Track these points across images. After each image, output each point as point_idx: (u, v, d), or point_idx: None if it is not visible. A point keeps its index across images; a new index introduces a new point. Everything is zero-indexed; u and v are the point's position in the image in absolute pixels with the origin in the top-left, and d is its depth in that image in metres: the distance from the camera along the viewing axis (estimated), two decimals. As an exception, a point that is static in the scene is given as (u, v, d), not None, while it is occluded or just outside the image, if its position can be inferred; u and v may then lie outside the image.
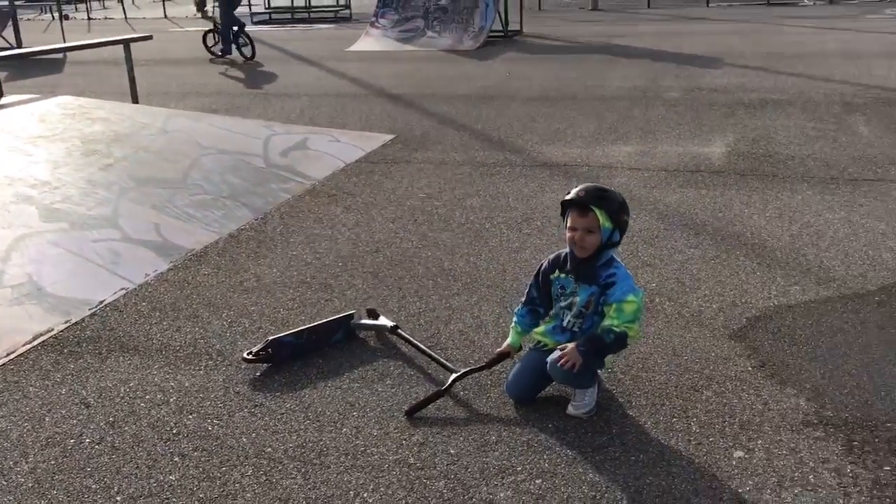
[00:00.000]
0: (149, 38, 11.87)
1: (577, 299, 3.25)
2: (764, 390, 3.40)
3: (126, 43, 10.50)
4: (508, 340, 3.51)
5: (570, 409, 3.27)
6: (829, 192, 6.05)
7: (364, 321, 4.14)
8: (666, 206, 5.92)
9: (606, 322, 3.16)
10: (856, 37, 15.43)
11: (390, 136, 8.48)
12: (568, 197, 3.20)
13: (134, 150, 6.99)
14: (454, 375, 3.47)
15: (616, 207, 3.17)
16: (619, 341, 3.15)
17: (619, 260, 3.27)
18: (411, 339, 3.86)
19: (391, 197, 6.42)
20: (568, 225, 3.21)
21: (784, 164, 6.85)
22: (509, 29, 17.55)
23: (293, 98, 11.05)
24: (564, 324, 3.32)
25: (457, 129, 8.79)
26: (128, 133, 7.40)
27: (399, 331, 3.95)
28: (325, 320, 4.04)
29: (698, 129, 8.28)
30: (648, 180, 6.57)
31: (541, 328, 3.44)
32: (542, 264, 3.43)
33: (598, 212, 3.12)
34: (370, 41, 16.62)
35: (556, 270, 3.34)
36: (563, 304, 3.32)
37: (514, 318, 3.51)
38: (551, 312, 3.41)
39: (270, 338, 3.79)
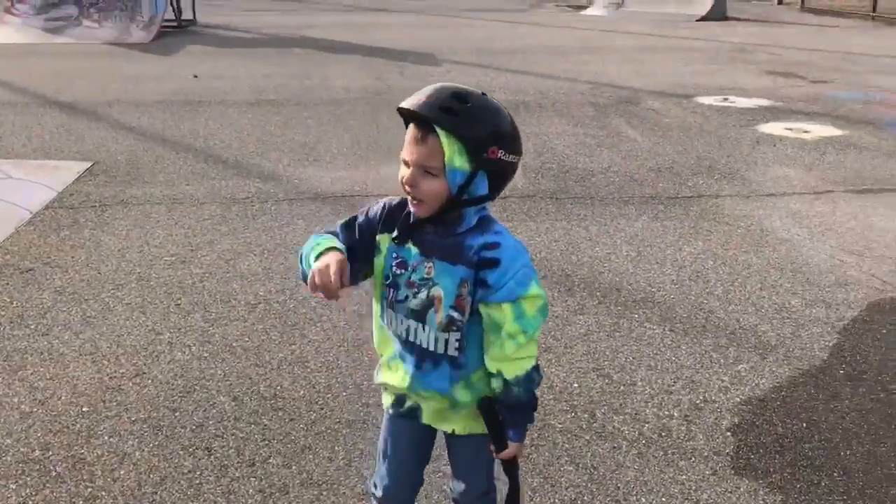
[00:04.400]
0: None
1: (440, 292, 1.85)
2: None
3: None
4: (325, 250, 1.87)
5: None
6: (664, 216, 5.27)
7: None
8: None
9: (500, 349, 1.87)
10: (548, 32, 15.61)
11: (86, 165, 6.24)
12: (402, 104, 1.81)
13: None
14: None
15: (483, 130, 1.78)
16: (530, 383, 1.92)
17: (498, 222, 1.93)
18: None
19: (122, 266, 4.44)
20: (401, 159, 1.85)
21: (589, 181, 5.99)
22: (183, 18, 15.25)
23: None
24: (425, 343, 1.90)
25: (175, 150, 6.79)
26: None
27: None
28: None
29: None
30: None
31: (384, 368, 2.01)
32: (366, 207, 1.97)
33: (443, 135, 1.75)
34: (8, 31, 13.30)
35: (385, 230, 1.92)
36: (407, 300, 1.89)
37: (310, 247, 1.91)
38: (380, 316, 1.97)
39: None
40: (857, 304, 4.04)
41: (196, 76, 10.15)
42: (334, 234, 1.92)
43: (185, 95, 8.96)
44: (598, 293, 4.14)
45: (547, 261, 4.53)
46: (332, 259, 1.78)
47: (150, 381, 3.31)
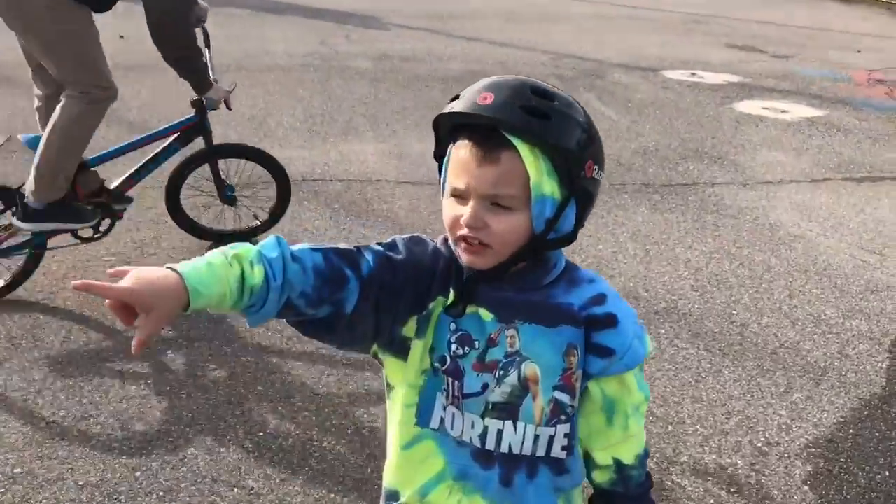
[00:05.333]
0: None
1: (535, 369, 1.27)
2: None
3: None
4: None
5: None
6: (663, 207, 4.81)
7: None
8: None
9: (622, 431, 1.35)
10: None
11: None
12: (453, 107, 1.25)
13: None
14: None
15: (578, 138, 1.23)
16: (646, 479, 1.42)
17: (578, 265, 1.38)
18: None
19: (52, 269, 3.72)
20: (448, 190, 1.26)
21: (573, 164, 5.49)
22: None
23: None
24: (517, 448, 1.29)
25: (105, 123, 5.94)
26: None
27: None
28: None
29: (432, 114, 6.59)
30: (433, 202, 4.72)
31: (430, 473, 1.33)
32: (405, 241, 1.32)
33: (526, 149, 1.20)
34: None
35: (440, 292, 1.28)
36: (486, 391, 1.28)
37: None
38: (419, 421, 1.31)
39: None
40: (895, 315, 3.67)
41: (122, 37, 9.20)
42: (352, 255, 1.24)
43: (112, 59, 7.98)
44: (613, 302, 3.66)
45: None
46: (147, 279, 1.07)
47: (98, 428, 2.67)
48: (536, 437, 1.30)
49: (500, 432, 1.30)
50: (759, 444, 2.73)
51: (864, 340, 3.43)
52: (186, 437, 2.65)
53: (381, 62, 8.43)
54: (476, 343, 1.28)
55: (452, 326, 1.28)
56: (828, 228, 4.62)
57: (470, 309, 1.28)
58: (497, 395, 1.28)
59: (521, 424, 1.29)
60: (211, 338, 3.23)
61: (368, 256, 1.25)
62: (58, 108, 3.32)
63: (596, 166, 1.26)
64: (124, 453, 2.56)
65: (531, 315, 1.28)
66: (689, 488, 2.52)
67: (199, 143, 3.93)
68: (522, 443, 1.30)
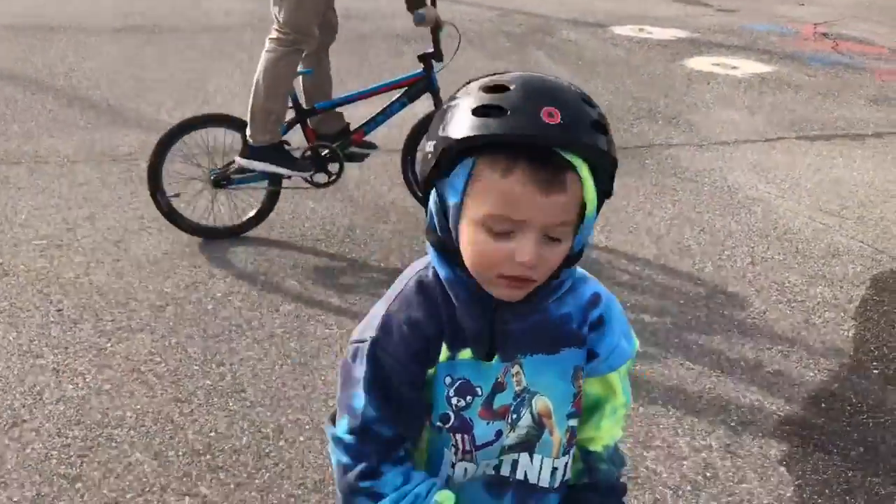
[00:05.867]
0: None
1: (547, 403, 1.17)
2: None
3: None
4: None
5: None
6: (620, 171, 4.69)
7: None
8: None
9: (606, 430, 1.25)
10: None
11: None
12: (510, 127, 1.01)
13: None
14: None
15: (608, 149, 1.06)
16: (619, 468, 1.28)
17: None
18: None
19: None
20: (480, 219, 1.04)
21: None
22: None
23: None
24: (533, 478, 1.19)
25: (29, 90, 5.59)
26: None
27: None
28: None
29: (377, 75, 6.33)
30: (385, 171, 4.52)
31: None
32: (374, 328, 1.14)
33: (587, 171, 1.05)
34: None
35: (451, 345, 1.13)
36: (500, 438, 1.17)
37: None
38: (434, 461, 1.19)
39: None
40: (859, 279, 3.62)
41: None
42: (368, 430, 1.12)
43: (33, 19, 7.59)
44: (575, 275, 3.54)
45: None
46: None
47: (33, 435, 2.46)
48: (554, 469, 1.20)
49: (515, 462, 1.19)
50: (733, 424, 2.65)
51: (830, 308, 3.38)
52: (131, 442, 2.45)
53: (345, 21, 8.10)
54: (478, 389, 1.14)
55: (448, 380, 1.13)
56: (785, 190, 4.56)
57: (463, 354, 1.12)
58: (512, 438, 1.17)
59: (537, 457, 1.19)
60: (154, 328, 3.02)
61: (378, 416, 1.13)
62: (262, 52, 3.51)
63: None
64: (63, 463, 2.36)
65: (533, 345, 1.15)
66: (665, 475, 2.43)
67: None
68: (539, 474, 1.20)
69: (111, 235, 3.69)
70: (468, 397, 1.13)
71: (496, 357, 1.13)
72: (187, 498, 2.26)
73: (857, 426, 2.68)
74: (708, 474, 2.44)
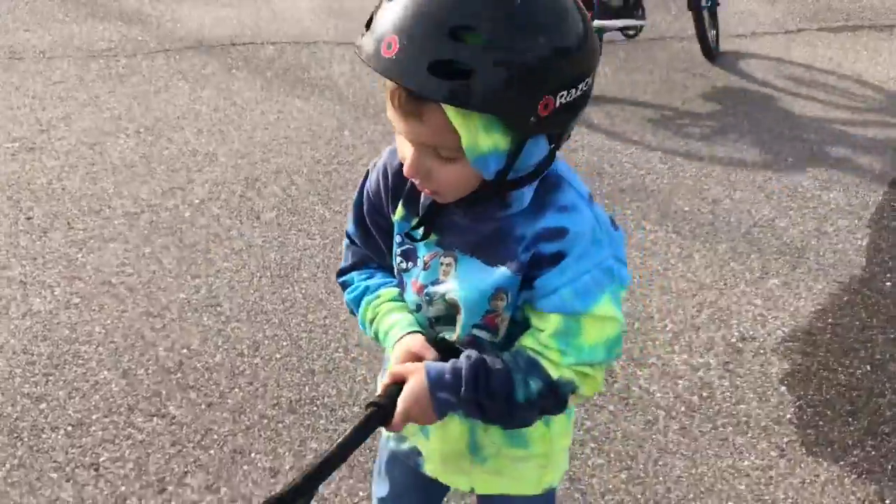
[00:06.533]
0: None
1: (457, 304, 1.12)
2: None
3: None
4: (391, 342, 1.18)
5: None
6: (629, 66, 4.42)
7: None
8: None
9: (530, 342, 1.11)
10: None
11: None
12: (362, 49, 0.97)
13: None
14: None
15: (523, 77, 0.93)
16: (548, 398, 1.11)
17: (573, 181, 1.14)
18: None
19: None
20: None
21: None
22: None
23: None
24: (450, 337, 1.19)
25: (4, -20, 5.30)
26: None
27: None
28: None
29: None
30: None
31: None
32: (362, 182, 1.22)
33: (449, 110, 0.94)
34: None
35: (394, 204, 1.17)
36: (419, 310, 1.18)
37: (353, 301, 1.25)
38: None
39: None
40: (877, 183, 3.42)
41: None
42: (352, 241, 1.27)
43: None
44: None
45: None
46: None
47: (-3, 352, 2.36)
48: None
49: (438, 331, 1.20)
50: (733, 340, 2.51)
51: (843, 214, 3.19)
52: (99, 359, 2.35)
53: None
54: (416, 259, 1.17)
55: (398, 239, 1.18)
56: (802, 87, 4.29)
57: (398, 212, 1.16)
58: (432, 313, 1.18)
59: (458, 328, 1.16)
60: (127, 237, 2.88)
61: (354, 237, 1.27)
62: None
63: (563, 91, 0.96)
64: (27, 381, 2.26)
65: (473, 247, 1.11)
66: (658, 394, 2.31)
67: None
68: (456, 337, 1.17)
69: (87, 138, 3.51)
70: (409, 263, 1.18)
71: (435, 238, 1.13)
72: (155, 419, 2.17)
73: (865, 343, 2.54)
74: (704, 394, 2.32)
